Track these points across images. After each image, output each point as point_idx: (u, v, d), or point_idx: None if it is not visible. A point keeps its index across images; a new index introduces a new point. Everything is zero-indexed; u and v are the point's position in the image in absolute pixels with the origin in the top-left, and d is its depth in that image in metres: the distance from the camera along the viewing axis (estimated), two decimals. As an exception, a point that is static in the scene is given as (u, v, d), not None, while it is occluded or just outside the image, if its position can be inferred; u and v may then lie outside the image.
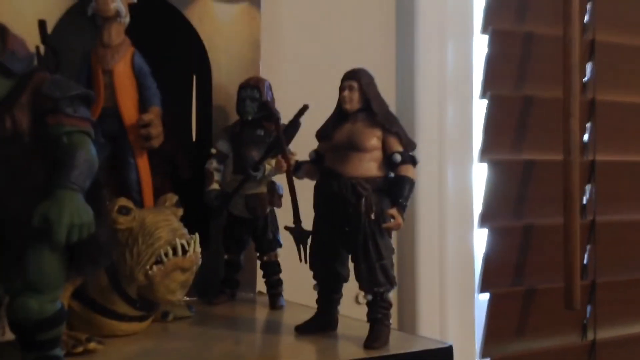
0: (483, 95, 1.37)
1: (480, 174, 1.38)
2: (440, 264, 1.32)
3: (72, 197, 0.55)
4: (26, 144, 0.58)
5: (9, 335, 0.70)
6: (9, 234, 0.57)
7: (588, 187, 1.49)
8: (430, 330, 1.30)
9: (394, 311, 1.04)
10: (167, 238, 0.74)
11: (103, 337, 0.73)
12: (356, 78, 0.78)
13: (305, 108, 0.86)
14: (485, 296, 1.39)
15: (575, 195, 1.30)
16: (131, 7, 0.88)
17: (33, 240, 0.56)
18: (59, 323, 0.60)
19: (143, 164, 0.89)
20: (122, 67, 0.87)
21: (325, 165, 0.79)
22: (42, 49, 0.81)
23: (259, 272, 0.99)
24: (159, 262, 0.73)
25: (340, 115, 0.79)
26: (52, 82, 0.59)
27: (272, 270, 0.96)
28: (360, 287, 0.77)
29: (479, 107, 1.37)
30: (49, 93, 0.59)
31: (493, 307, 1.38)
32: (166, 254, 0.74)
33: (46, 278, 0.58)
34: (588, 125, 1.49)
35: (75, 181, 0.56)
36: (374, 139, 0.76)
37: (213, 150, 0.96)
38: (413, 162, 0.76)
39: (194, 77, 1.06)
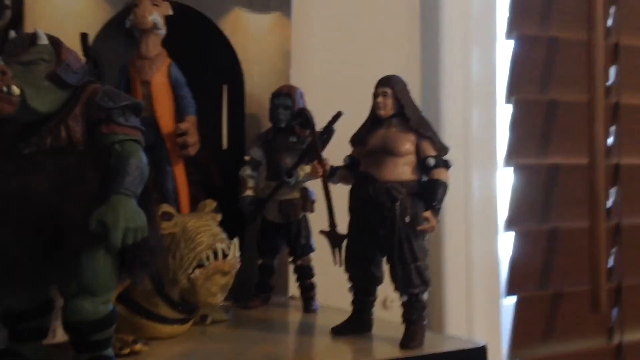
0: (508, 100, 1.38)
1: (505, 179, 1.39)
2: (466, 268, 1.33)
3: (127, 203, 0.58)
4: (80, 153, 0.61)
5: (59, 338, 0.73)
6: (65, 239, 0.59)
7: (613, 191, 1.49)
8: (458, 334, 1.31)
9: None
10: (208, 242, 0.77)
11: (147, 340, 0.75)
12: (390, 85, 0.80)
13: (339, 115, 0.88)
14: (512, 300, 1.40)
15: (600, 199, 1.31)
16: (167, 19, 0.91)
17: (88, 245, 0.59)
18: (111, 324, 0.62)
19: (180, 172, 0.92)
20: (160, 78, 0.90)
21: (360, 170, 0.81)
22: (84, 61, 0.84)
23: (292, 277, 1.01)
24: (200, 265, 0.76)
25: (374, 121, 0.81)
26: (104, 93, 0.62)
27: (306, 274, 0.98)
28: (396, 289, 0.78)
29: (504, 112, 1.38)
30: (102, 104, 0.61)
31: (519, 311, 1.39)
32: (207, 258, 0.76)
33: (100, 281, 0.60)
34: (613, 128, 1.49)
35: (129, 187, 0.58)
36: (408, 144, 0.78)
37: (247, 158, 0.98)
38: (446, 165, 0.78)
39: (225, 86, 1.09)
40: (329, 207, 0.85)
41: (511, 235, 1.39)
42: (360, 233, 0.80)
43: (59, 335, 0.71)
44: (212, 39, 1.01)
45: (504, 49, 1.38)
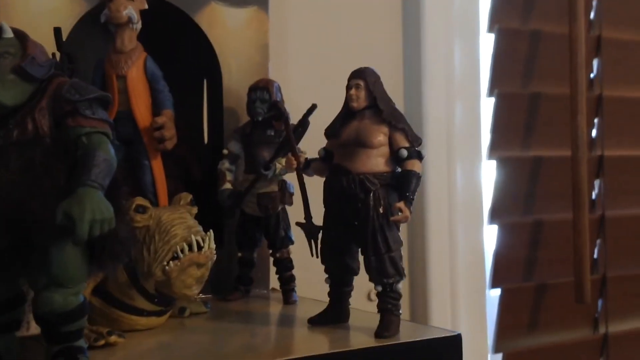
0: (490, 93, 1.38)
1: (489, 171, 1.39)
2: (451, 261, 1.34)
3: (93, 194, 0.58)
4: (47, 146, 0.61)
5: (33, 331, 0.73)
6: (33, 233, 0.59)
7: (597, 182, 1.50)
8: (442, 327, 1.31)
9: (406, 308, 1.05)
10: (183, 235, 0.77)
11: (123, 332, 0.76)
12: (362, 77, 0.80)
13: (313, 107, 0.88)
14: (497, 292, 1.40)
15: (583, 191, 1.32)
16: (142, 13, 0.91)
17: (56, 237, 0.59)
18: (82, 315, 0.63)
19: (157, 166, 0.92)
20: (135, 72, 0.90)
21: (334, 162, 0.81)
22: (57, 55, 0.84)
23: (272, 269, 1.01)
24: (175, 258, 0.76)
25: (347, 114, 0.81)
26: (71, 85, 0.62)
27: (285, 267, 0.98)
28: (370, 279, 0.79)
29: (487, 105, 1.39)
30: (68, 96, 0.61)
31: (504, 303, 1.39)
32: (182, 250, 0.76)
33: (69, 272, 0.61)
34: (596, 120, 1.50)
35: (96, 179, 0.58)
36: (380, 136, 0.78)
37: (225, 151, 0.98)
38: (419, 156, 0.79)
39: (205, 81, 1.09)
40: (304, 199, 0.86)
41: (495, 228, 1.40)
42: (335, 225, 0.81)
43: (33, 327, 0.72)
44: (189, 33, 1.01)
45: (486, 43, 1.39)
